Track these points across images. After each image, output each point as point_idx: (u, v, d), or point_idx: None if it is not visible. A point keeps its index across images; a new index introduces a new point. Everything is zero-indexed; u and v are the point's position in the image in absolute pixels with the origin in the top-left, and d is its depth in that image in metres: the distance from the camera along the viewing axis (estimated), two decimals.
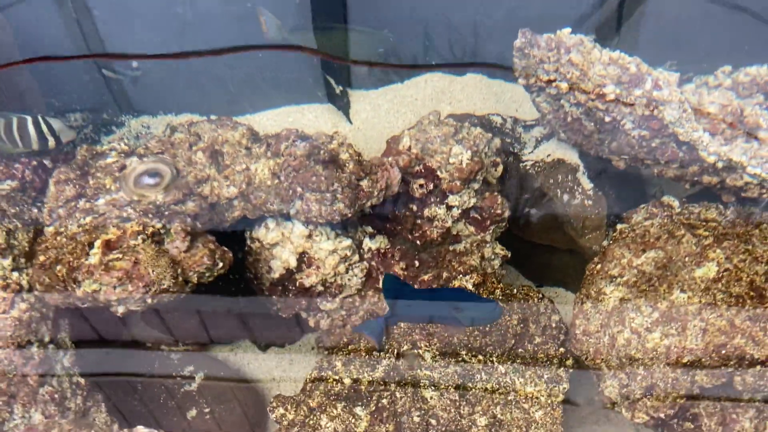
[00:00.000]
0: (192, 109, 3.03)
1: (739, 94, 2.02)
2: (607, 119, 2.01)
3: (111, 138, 3.03)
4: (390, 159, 2.22)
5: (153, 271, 1.83)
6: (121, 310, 1.89)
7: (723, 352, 1.84)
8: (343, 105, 2.96)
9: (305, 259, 2.24)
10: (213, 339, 2.69)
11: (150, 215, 1.94)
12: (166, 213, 1.98)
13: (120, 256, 1.82)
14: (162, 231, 1.92)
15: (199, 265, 1.92)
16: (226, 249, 2.02)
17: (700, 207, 2.14)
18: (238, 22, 2.71)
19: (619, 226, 2.22)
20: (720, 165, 1.92)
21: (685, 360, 1.87)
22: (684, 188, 2.16)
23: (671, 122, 1.89)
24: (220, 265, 1.97)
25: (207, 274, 1.95)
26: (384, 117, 2.91)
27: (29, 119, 2.25)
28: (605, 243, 2.26)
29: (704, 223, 2.08)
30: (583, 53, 1.96)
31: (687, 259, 2.00)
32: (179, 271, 1.90)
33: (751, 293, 1.87)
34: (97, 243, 1.85)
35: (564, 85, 2.02)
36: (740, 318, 1.84)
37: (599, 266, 2.15)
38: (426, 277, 2.34)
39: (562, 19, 2.65)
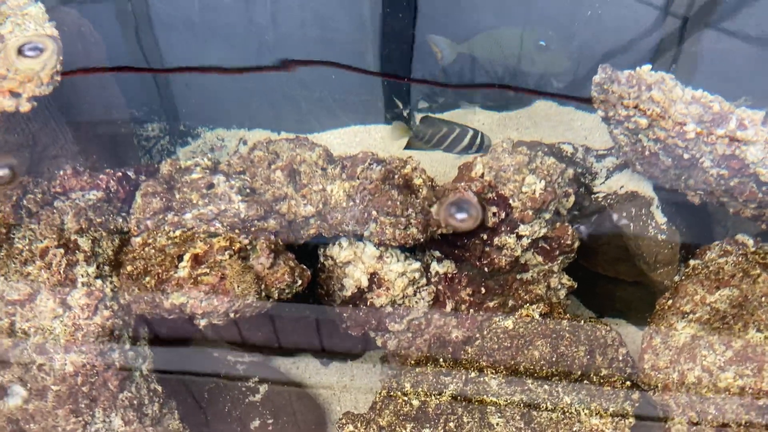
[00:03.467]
0: (263, 125, 3.12)
1: None
2: (685, 156, 2.02)
3: (186, 149, 3.14)
4: (463, 184, 2.26)
5: (238, 286, 1.90)
6: (203, 322, 1.96)
7: None
8: (410, 127, 3.01)
9: (375, 279, 2.29)
10: (277, 351, 2.75)
11: (236, 230, 2.01)
12: (252, 229, 2.05)
13: (207, 270, 1.89)
14: (248, 247, 1.99)
15: (280, 281, 1.99)
16: (304, 267, 2.08)
17: None
18: (315, 44, 2.79)
19: (692, 262, 2.22)
20: None
21: (760, 402, 1.86)
22: (760, 227, 2.15)
23: (753, 162, 1.89)
24: (299, 282, 2.03)
25: (287, 291, 2.01)
26: None
27: (470, 132, 2.56)
28: (677, 278, 2.26)
29: None
30: (665, 91, 1.98)
31: (763, 299, 2.00)
32: (262, 286, 1.96)
33: None
34: (186, 256, 1.92)
35: (643, 121, 2.04)
36: None
37: (670, 302, 2.16)
38: (492, 304, 2.37)
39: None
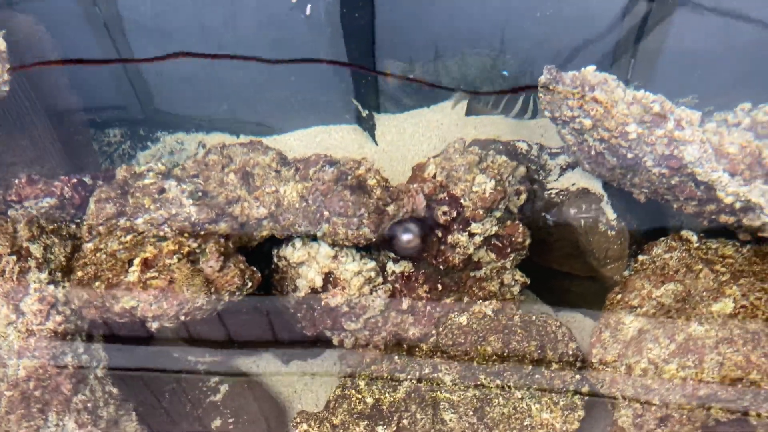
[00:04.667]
0: (223, 129, 3.13)
1: (758, 134, 2.06)
2: (629, 155, 2.07)
3: (147, 153, 3.14)
4: (416, 185, 2.29)
5: (188, 289, 1.92)
6: (155, 325, 1.98)
7: (738, 386, 1.89)
8: (369, 127, 3.04)
9: (331, 279, 2.31)
10: (238, 350, 2.77)
11: (186, 234, 2.03)
12: (202, 233, 2.06)
13: (157, 274, 1.91)
14: (198, 250, 2.01)
15: (230, 284, 2.01)
16: (255, 269, 2.10)
17: (718, 243, 2.19)
18: (272, 46, 2.80)
19: (640, 257, 2.27)
20: (738, 205, 1.97)
21: (701, 393, 1.91)
22: (702, 224, 2.20)
23: (691, 162, 1.94)
24: (249, 284, 2.05)
25: (237, 293, 2.03)
26: (408, 140, 2.98)
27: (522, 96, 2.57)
28: (626, 273, 2.31)
29: (721, 259, 2.13)
30: (607, 92, 2.02)
31: (704, 293, 2.05)
32: (212, 289, 1.98)
33: (766, 329, 1.91)
34: (136, 261, 1.94)
35: (588, 122, 2.08)
36: (756, 354, 1.88)
37: (620, 296, 2.21)
38: (448, 301, 2.41)
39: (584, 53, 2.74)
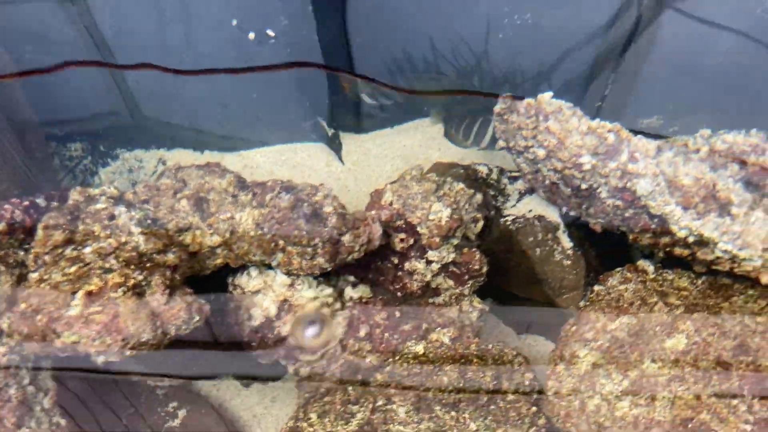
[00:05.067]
0: (185, 145, 3.09)
1: (715, 164, 2.05)
2: (583, 186, 2.05)
3: (107, 170, 3.09)
4: (373, 213, 2.26)
5: (132, 324, 1.88)
6: (100, 359, 1.93)
7: (689, 426, 1.87)
8: (335, 146, 3.01)
9: (286, 306, 2.28)
10: (196, 375, 2.73)
11: (132, 266, 1.98)
12: (148, 265, 2.02)
13: (100, 309, 1.87)
14: (143, 283, 1.96)
15: (176, 318, 1.97)
16: (203, 302, 2.07)
17: (674, 274, 2.17)
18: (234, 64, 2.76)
19: (596, 288, 2.25)
20: (691, 239, 1.95)
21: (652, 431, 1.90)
22: (659, 255, 2.19)
23: (644, 195, 1.92)
24: (197, 318, 2.02)
25: (184, 327, 1.99)
26: (373, 161, 2.96)
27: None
28: (582, 303, 2.29)
29: (677, 292, 2.11)
30: (561, 122, 1.99)
31: (658, 328, 2.03)
32: (158, 323, 1.94)
33: (718, 368, 1.90)
34: (80, 294, 1.90)
35: (541, 152, 2.06)
36: (707, 393, 1.87)
37: (574, 328, 2.18)
38: (406, 328, 2.38)
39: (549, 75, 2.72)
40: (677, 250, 2.06)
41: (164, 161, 3.09)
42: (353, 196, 2.91)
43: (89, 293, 1.90)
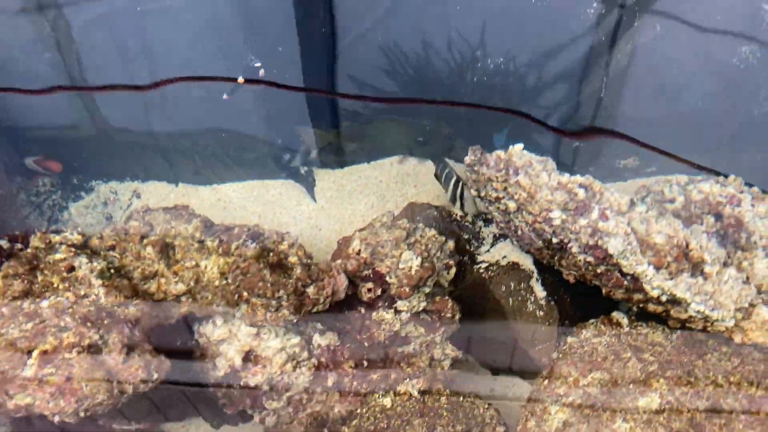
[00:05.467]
0: (159, 177, 3.03)
1: (690, 217, 2.01)
2: (554, 240, 2.00)
3: (79, 204, 3.02)
4: (339, 262, 2.21)
5: (86, 386, 1.82)
6: (56, 419, 1.88)
7: None
8: (308, 184, 2.95)
9: (252, 357, 2.22)
10: (166, 417, 2.67)
11: (89, 324, 1.93)
12: (106, 321, 1.96)
13: (54, 370, 1.81)
14: (100, 342, 1.91)
15: (134, 377, 1.91)
16: (163, 358, 2.01)
17: (648, 329, 2.12)
18: (200, 103, 2.71)
19: (569, 339, 2.20)
20: (664, 298, 1.91)
21: None
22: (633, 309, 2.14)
23: (615, 254, 1.87)
24: (156, 376, 1.96)
25: (142, 386, 1.93)
26: (347, 197, 2.90)
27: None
28: (555, 355, 2.24)
29: (651, 347, 2.06)
30: (531, 176, 1.94)
31: (631, 385, 1.98)
32: (115, 383, 1.88)
33: (691, 430, 1.85)
34: (35, 354, 1.84)
35: (512, 205, 2.01)
36: None
37: (546, 382, 2.13)
38: (375, 377, 2.33)
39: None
40: (651, 306, 2.01)
41: (138, 194, 3.04)
42: (324, 236, 2.85)
43: (44, 353, 1.84)
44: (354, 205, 2.88)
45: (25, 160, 2.89)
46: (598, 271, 2.00)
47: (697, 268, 1.90)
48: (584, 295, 2.31)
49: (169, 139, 2.86)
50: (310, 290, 2.12)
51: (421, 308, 2.26)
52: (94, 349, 1.89)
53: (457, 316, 2.31)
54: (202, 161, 2.95)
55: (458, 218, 2.53)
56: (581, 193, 1.91)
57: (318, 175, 2.96)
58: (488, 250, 2.42)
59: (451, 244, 2.30)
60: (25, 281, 2.08)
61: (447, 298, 2.28)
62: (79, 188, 3.02)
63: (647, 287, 1.90)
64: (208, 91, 2.62)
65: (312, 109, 2.82)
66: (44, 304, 2.00)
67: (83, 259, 2.10)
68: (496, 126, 2.71)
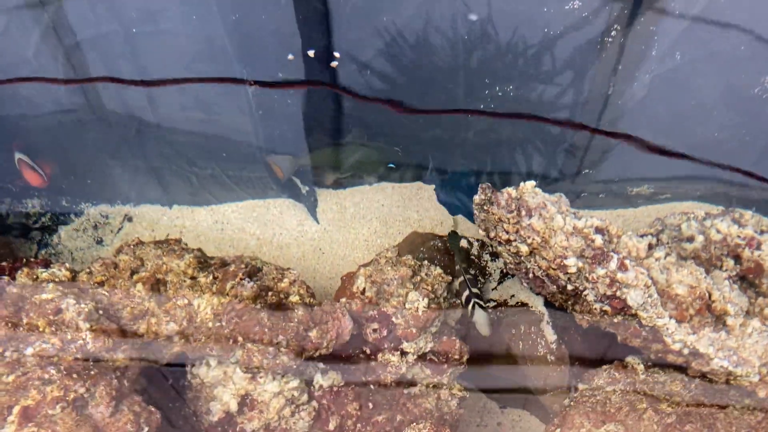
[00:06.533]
0: (152, 200, 2.91)
1: (710, 259, 1.90)
2: (569, 287, 1.89)
3: (69, 228, 2.90)
4: (344, 301, 2.10)
5: None
6: None
7: None
8: (310, 204, 2.84)
9: (247, 401, 2.11)
10: None
11: (75, 375, 1.81)
12: (93, 372, 1.85)
13: (36, 429, 1.70)
14: (86, 395, 1.80)
15: (122, 431, 1.80)
16: (152, 410, 1.90)
17: (666, 376, 2.01)
18: (198, 125, 2.59)
19: (580, 386, 2.10)
20: (686, 351, 1.80)
21: None
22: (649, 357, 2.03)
23: (635, 306, 1.76)
24: (146, 429, 1.85)
25: None
26: (350, 221, 2.79)
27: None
28: (566, 402, 2.14)
29: (668, 397, 1.96)
30: (545, 219, 1.83)
31: None
32: None
33: None
34: (15, 410, 1.73)
35: (524, 248, 1.89)
36: None
37: (558, 431, 2.03)
38: (380, 419, 2.22)
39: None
40: (670, 357, 1.91)
41: (130, 217, 2.92)
42: (327, 260, 2.74)
43: (26, 409, 1.73)
44: (357, 230, 2.77)
45: (15, 154, 2.70)
46: (615, 320, 1.89)
47: (719, 321, 1.79)
48: (598, 338, 2.21)
49: (164, 160, 2.74)
50: (313, 334, 2.01)
51: (428, 349, 2.15)
52: (79, 403, 1.78)
53: (465, 357, 2.20)
54: (199, 182, 2.83)
55: (465, 250, 2.42)
56: (598, 240, 1.79)
57: (319, 195, 2.85)
58: (495, 288, 2.31)
59: (457, 283, 2.19)
60: (9, 325, 1.97)
61: (455, 338, 2.18)
62: (69, 211, 2.90)
63: (668, 340, 1.79)
64: (206, 113, 2.50)
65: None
66: (29, 351, 1.89)
67: (71, 301, 1.99)
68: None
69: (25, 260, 2.41)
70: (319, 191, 2.87)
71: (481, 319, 2.09)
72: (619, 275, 1.75)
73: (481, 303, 2.10)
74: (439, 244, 2.39)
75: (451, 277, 2.17)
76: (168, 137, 2.63)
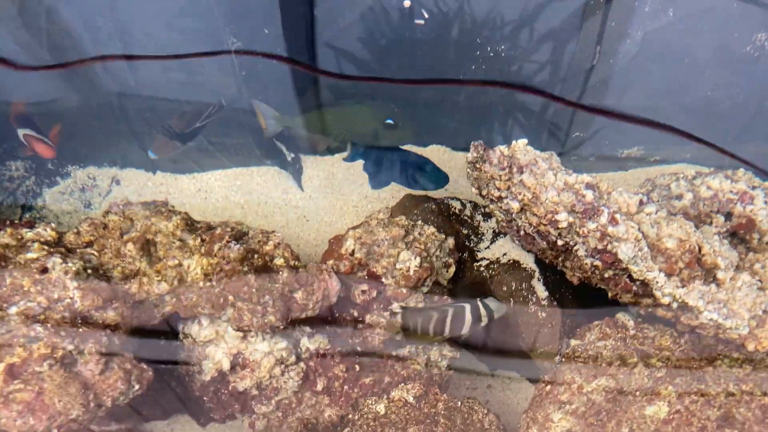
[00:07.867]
0: (137, 165, 2.87)
1: (699, 215, 1.90)
2: (559, 243, 1.88)
3: (54, 190, 2.86)
4: (331, 263, 2.08)
5: (59, 401, 1.69)
6: None
7: None
8: (295, 171, 2.80)
9: (239, 360, 2.11)
10: (150, 416, 2.56)
11: (62, 333, 1.79)
12: (81, 329, 1.83)
13: (22, 386, 1.68)
14: (74, 352, 1.78)
15: (113, 389, 1.79)
16: (144, 367, 1.89)
17: (655, 331, 2.02)
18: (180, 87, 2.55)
19: (572, 343, 2.10)
20: (675, 305, 1.80)
21: None
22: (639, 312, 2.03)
23: (625, 260, 1.76)
24: (137, 387, 1.84)
25: (122, 398, 1.81)
26: (338, 187, 2.76)
27: (468, 307, 2.05)
28: (557, 359, 2.14)
29: (658, 351, 1.96)
30: (536, 175, 1.82)
31: (638, 393, 1.89)
32: (91, 396, 1.76)
33: None
34: (0, 367, 1.71)
35: (515, 205, 1.88)
36: None
37: (549, 387, 2.04)
38: (367, 381, 2.22)
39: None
40: (660, 311, 1.91)
41: (118, 180, 2.88)
42: (312, 228, 2.71)
43: (11, 367, 1.71)
44: (346, 196, 2.74)
45: (18, 131, 2.64)
46: (606, 275, 1.89)
47: (709, 274, 1.80)
48: (588, 295, 2.21)
49: (146, 126, 2.69)
50: (298, 295, 2.00)
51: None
52: (68, 360, 1.77)
53: None
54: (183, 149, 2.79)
55: (457, 212, 2.41)
56: (589, 195, 1.79)
57: (305, 162, 2.81)
58: (488, 247, 2.30)
59: (450, 241, 2.18)
60: None
61: (446, 297, 2.17)
62: (55, 173, 2.86)
63: (658, 294, 1.79)
64: (188, 74, 2.45)
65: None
66: (13, 309, 1.86)
67: (57, 259, 1.96)
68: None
69: (8, 222, 2.37)
70: (306, 158, 2.84)
71: (494, 305, 2.04)
72: (610, 229, 1.74)
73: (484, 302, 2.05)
74: (433, 206, 2.38)
75: (444, 236, 2.16)
76: (149, 102, 2.58)
